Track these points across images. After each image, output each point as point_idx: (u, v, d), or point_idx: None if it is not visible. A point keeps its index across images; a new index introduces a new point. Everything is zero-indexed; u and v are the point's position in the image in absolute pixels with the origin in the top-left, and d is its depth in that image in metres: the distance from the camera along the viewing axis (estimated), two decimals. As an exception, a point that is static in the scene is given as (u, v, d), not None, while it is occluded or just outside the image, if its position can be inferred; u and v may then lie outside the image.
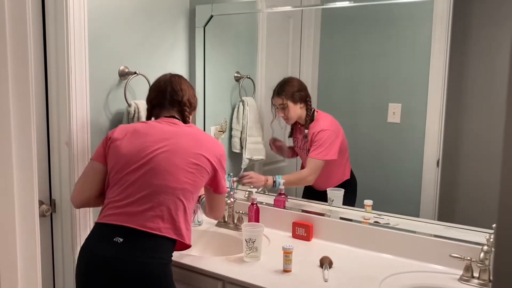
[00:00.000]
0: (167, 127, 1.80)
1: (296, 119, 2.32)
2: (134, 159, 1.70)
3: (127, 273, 1.59)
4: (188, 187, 1.71)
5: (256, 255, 1.89)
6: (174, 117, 1.87)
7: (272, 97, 2.34)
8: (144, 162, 1.69)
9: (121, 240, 1.61)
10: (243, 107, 2.51)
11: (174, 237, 1.67)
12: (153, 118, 1.93)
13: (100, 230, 1.68)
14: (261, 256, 1.90)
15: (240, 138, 2.55)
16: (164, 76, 1.93)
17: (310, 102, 2.29)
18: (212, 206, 1.94)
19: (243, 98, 2.52)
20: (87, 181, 1.78)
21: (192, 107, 1.93)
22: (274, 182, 2.30)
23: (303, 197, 2.42)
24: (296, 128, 2.38)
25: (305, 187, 2.41)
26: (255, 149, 2.54)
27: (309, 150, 2.28)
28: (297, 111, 2.29)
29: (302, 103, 2.28)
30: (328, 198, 2.25)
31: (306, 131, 2.29)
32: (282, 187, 2.27)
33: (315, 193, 2.33)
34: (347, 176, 2.27)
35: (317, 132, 2.25)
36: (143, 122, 1.89)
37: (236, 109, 2.54)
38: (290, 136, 2.43)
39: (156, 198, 1.66)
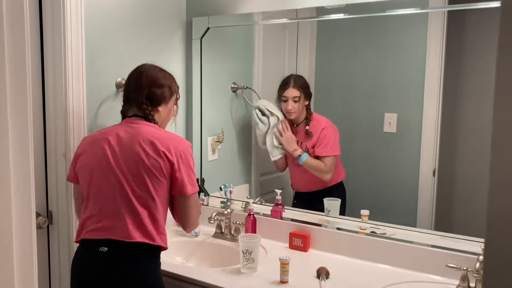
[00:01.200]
0: (122, 131, 1.70)
1: (298, 116, 2.33)
2: (96, 170, 1.68)
3: (116, 282, 1.60)
4: (146, 194, 1.64)
5: (253, 266, 1.88)
6: (136, 115, 1.75)
7: (284, 89, 2.31)
8: (104, 172, 1.66)
9: (106, 249, 1.62)
10: (261, 110, 2.44)
11: (148, 241, 1.63)
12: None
13: (86, 244, 1.69)
14: (258, 267, 1.90)
15: (265, 134, 2.47)
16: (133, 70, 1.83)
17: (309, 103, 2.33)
18: (177, 211, 1.73)
19: (257, 103, 2.47)
20: (77, 205, 1.83)
21: (157, 101, 1.76)
22: (300, 156, 2.29)
23: (294, 201, 2.42)
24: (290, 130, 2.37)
25: (297, 200, 2.42)
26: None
27: (307, 148, 2.30)
28: (303, 107, 2.31)
29: (307, 101, 2.31)
30: (325, 208, 2.25)
31: (307, 127, 2.29)
32: (301, 163, 2.28)
33: (304, 196, 2.37)
34: (341, 177, 2.29)
35: (322, 129, 2.26)
36: (103, 129, 1.81)
37: (255, 115, 2.46)
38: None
39: (123, 208, 1.63)
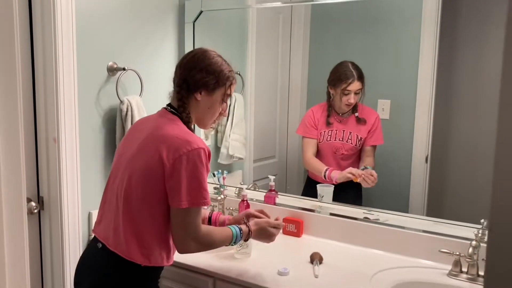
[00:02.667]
0: (148, 123, 1.60)
1: None
2: (115, 168, 1.60)
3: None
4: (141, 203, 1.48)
5: (247, 251, 1.88)
6: (169, 105, 1.60)
7: (349, 83, 2.15)
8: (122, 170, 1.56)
9: (100, 245, 1.56)
10: (231, 103, 2.49)
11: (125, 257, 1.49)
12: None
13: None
14: (252, 252, 1.90)
15: (224, 133, 2.53)
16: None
17: None
18: (171, 226, 1.48)
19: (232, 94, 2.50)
20: None
21: (194, 85, 1.52)
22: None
23: (304, 191, 2.38)
24: (331, 119, 2.26)
25: (308, 180, 2.37)
26: (236, 146, 2.52)
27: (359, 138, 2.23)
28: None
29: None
30: (318, 194, 2.25)
31: (356, 114, 2.20)
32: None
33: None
34: None
35: (376, 117, 2.18)
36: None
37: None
38: (328, 124, 2.28)
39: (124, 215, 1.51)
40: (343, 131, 2.24)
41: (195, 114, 1.58)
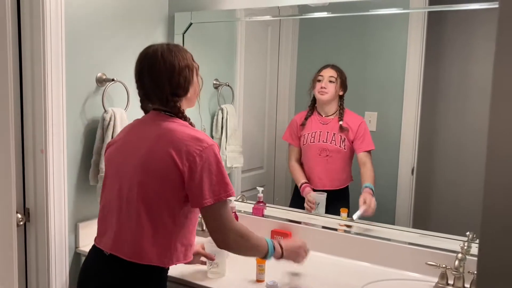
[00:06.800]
0: (146, 127, 1.57)
1: (330, 101, 2.25)
2: (116, 177, 1.59)
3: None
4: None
5: (218, 271, 1.82)
6: (157, 109, 1.58)
7: (321, 69, 2.24)
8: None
9: (108, 253, 1.55)
10: (223, 115, 2.51)
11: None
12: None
13: None
14: (236, 265, 1.87)
15: (220, 146, 2.54)
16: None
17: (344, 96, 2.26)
18: (207, 226, 1.52)
19: (222, 106, 2.52)
20: None
21: (183, 90, 1.55)
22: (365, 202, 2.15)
23: (291, 201, 2.38)
24: (313, 121, 2.30)
25: (296, 190, 2.36)
26: (234, 157, 2.53)
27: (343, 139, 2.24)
28: (337, 93, 2.24)
29: (342, 91, 2.24)
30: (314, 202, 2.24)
31: (340, 122, 2.22)
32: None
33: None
34: (350, 180, 2.27)
35: (360, 123, 2.19)
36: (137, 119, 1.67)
37: (215, 117, 2.54)
38: (302, 124, 2.32)
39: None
40: (327, 132, 2.25)
41: (185, 106, 1.61)
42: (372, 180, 2.16)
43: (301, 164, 2.36)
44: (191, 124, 1.59)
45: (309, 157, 2.32)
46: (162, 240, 1.50)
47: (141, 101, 1.63)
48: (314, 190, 2.29)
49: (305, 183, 2.29)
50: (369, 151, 2.19)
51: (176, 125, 1.52)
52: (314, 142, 2.28)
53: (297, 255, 1.71)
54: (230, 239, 1.50)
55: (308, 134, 2.29)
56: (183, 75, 1.53)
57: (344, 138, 2.21)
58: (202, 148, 1.45)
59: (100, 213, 1.61)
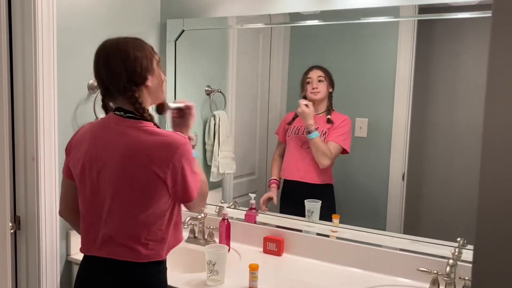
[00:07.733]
0: (111, 135, 1.51)
1: (322, 99, 2.29)
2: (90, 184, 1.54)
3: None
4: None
5: (217, 278, 1.81)
6: (119, 109, 1.51)
7: (308, 71, 2.29)
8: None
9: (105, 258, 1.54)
10: (215, 121, 2.51)
11: None
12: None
13: None
14: (230, 274, 1.87)
15: (212, 152, 2.54)
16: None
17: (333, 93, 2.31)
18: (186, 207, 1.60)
19: (215, 112, 2.52)
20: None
21: (141, 77, 1.49)
22: (311, 132, 2.23)
23: (281, 205, 2.40)
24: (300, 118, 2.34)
25: (283, 194, 2.41)
26: (226, 163, 2.53)
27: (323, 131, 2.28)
28: (327, 91, 2.28)
29: (331, 88, 2.28)
30: (307, 210, 2.25)
31: (328, 116, 2.27)
32: (310, 138, 2.23)
33: (293, 187, 2.36)
34: (331, 180, 2.29)
35: (343, 119, 2.23)
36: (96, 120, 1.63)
37: (207, 124, 2.54)
38: (289, 123, 2.37)
39: None
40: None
41: (150, 100, 1.55)
42: (320, 142, 2.23)
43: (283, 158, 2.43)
44: (155, 124, 1.52)
45: (291, 147, 2.38)
46: (155, 235, 1.50)
47: (102, 99, 1.56)
48: (291, 181, 2.38)
49: (274, 179, 2.43)
50: (341, 148, 2.23)
51: (142, 133, 1.47)
52: (298, 133, 2.34)
53: (190, 123, 1.73)
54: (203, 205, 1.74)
55: (294, 127, 2.36)
56: (139, 62, 1.47)
57: (326, 132, 2.26)
58: (175, 149, 1.44)
59: (83, 224, 1.57)
